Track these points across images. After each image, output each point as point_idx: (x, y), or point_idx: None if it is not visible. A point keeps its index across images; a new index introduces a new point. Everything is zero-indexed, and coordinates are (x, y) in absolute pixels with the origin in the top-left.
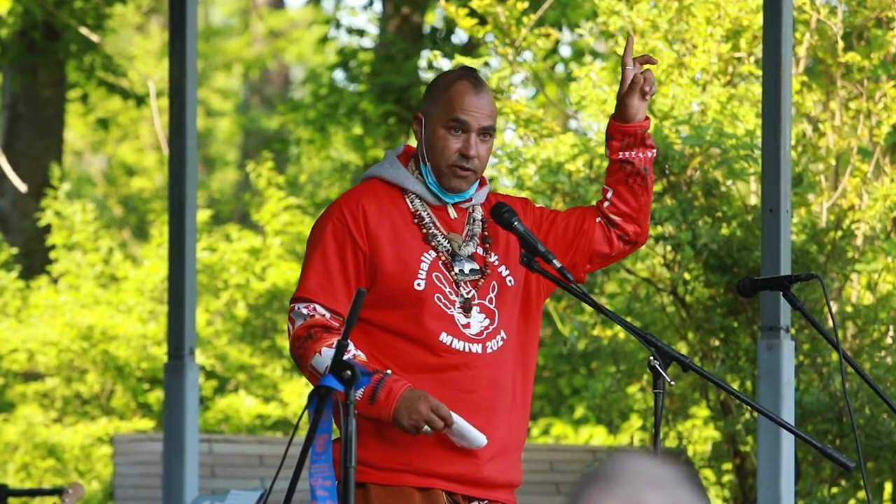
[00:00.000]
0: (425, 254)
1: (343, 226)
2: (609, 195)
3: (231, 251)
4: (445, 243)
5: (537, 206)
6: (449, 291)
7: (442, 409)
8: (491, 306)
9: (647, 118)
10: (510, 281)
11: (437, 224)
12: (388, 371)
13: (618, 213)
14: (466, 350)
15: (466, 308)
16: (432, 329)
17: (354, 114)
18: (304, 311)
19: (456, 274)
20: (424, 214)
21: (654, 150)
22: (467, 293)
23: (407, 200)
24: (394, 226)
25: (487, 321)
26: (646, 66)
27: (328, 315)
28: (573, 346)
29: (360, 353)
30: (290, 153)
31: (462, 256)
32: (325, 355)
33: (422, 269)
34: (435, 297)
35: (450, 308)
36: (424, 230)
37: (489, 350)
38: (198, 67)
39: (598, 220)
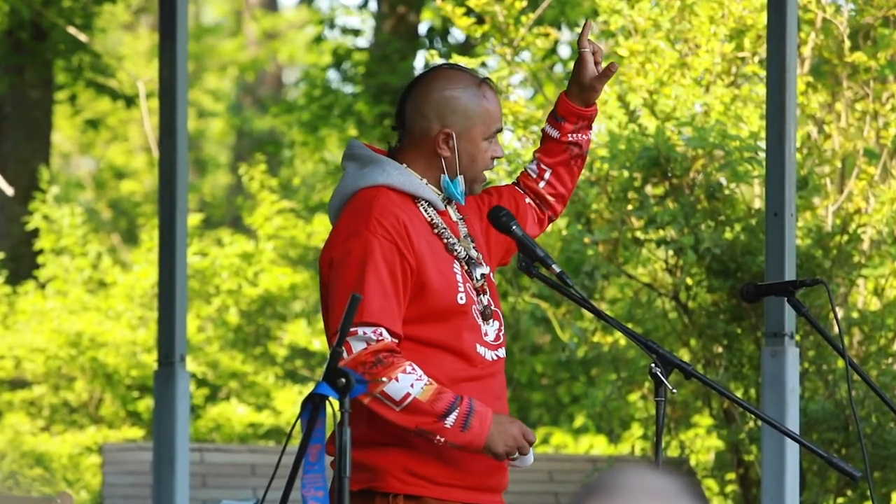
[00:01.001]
0: (454, 265)
1: (390, 243)
2: (547, 175)
3: (223, 256)
4: (462, 251)
5: None
6: (477, 301)
7: (530, 434)
8: (493, 308)
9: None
10: (493, 276)
11: (449, 231)
12: (472, 398)
13: (555, 194)
14: (495, 358)
15: (486, 316)
16: (470, 341)
17: (349, 115)
18: (372, 335)
19: (475, 281)
20: (438, 222)
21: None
22: (485, 300)
23: (420, 209)
24: (426, 238)
25: (497, 323)
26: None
27: (390, 339)
28: (573, 352)
29: (429, 378)
30: (283, 156)
31: (474, 261)
32: (403, 381)
33: (460, 283)
34: (472, 309)
35: (478, 318)
36: (444, 240)
37: (503, 353)
38: (188, 68)
39: (527, 201)
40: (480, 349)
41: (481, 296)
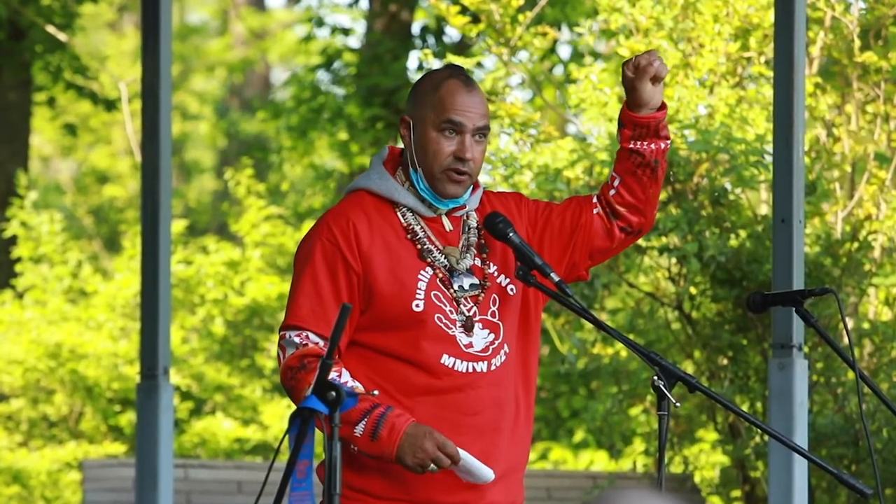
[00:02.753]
0: (422, 272)
1: (333, 246)
2: (616, 183)
3: (208, 264)
4: (442, 259)
5: (531, 200)
6: (449, 310)
7: (448, 447)
8: (494, 320)
9: (663, 106)
10: (511, 290)
11: (432, 238)
12: (389, 406)
13: (623, 203)
14: (470, 370)
15: (468, 327)
16: (432, 352)
17: (339, 118)
18: (296, 339)
19: (455, 291)
20: (417, 229)
21: (669, 141)
22: (468, 311)
23: (398, 214)
24: (387, 243)
25: (492, 336)
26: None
27: (321, 343)
28: (572, 364)
29: (357, 383)
30: (270, 160)
31: (460, 271)
32: None
33: (419, 289)
34: (435, 318)
35: (451, 328)
36: (419, 246)
37: (493, 367)
38: (172, 68)
39: (595, 211)
40: (448, 360)
41: (462, 305)
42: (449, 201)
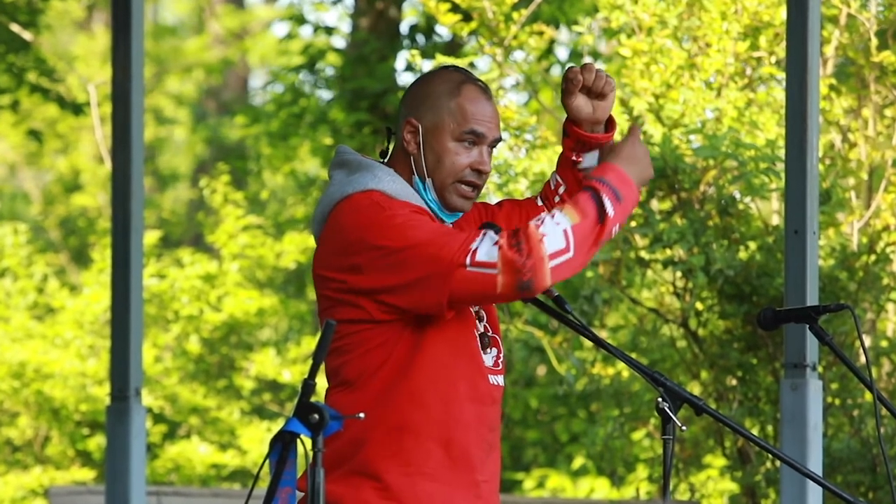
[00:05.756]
0: None
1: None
2: (561, 190)
3: (183, 278)
4: None
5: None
6: (476, 327)
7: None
8: (490, 334)
9: (611, 126)
10: None
11: None
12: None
13: None
14: (495, 383)
15: (485, 344)
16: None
17: (322, 123)
18: (488, 240)
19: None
20: None
21: None
22: (482, 326)
23: None
24: None
25: (495, 350)
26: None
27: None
28: (571, 386)
29: (555, 208)
30: (250, 167)
31: None
32: (549, 230)
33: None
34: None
35: (476, 342)
36: None
37: (502, 382)
38: (144, 69)
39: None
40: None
41: (478, 322)
42: (452, 214)
